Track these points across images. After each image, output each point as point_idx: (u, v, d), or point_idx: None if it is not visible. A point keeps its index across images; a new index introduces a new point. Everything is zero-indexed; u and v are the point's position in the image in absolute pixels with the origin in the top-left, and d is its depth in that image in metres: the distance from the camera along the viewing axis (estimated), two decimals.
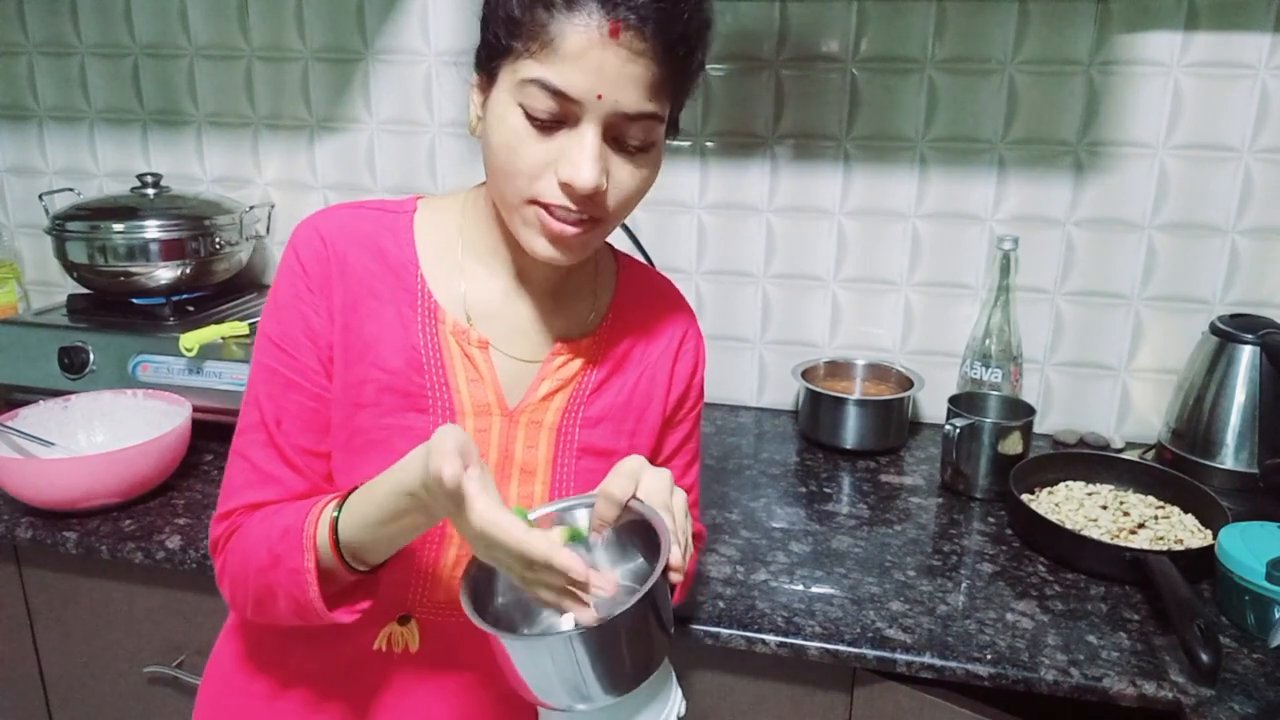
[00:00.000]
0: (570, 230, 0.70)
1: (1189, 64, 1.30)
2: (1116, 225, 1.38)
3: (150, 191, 1.50)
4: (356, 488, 0.70)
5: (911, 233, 1.44)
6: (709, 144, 1.47)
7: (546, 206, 0.69)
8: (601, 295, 0.85)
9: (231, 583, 0.75)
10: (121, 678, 1.19)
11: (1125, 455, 1.31)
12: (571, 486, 0.80)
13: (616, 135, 0.69)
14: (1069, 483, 1.23)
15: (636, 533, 0.69)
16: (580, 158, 0.67)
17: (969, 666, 0.90)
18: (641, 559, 0.70)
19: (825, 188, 1.45)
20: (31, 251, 1.77)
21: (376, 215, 0.79)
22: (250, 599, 0.74)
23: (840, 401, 1.39)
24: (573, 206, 0.69)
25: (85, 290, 1.49)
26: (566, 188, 0.68)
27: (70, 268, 1.45)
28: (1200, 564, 1.02)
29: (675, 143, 1.48)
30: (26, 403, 1.27)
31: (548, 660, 0.60)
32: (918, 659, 0.91)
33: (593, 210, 0.70)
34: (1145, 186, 1.35)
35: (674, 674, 0.72)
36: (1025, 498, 1.16)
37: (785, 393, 1.56)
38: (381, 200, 0.82)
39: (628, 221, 1.51)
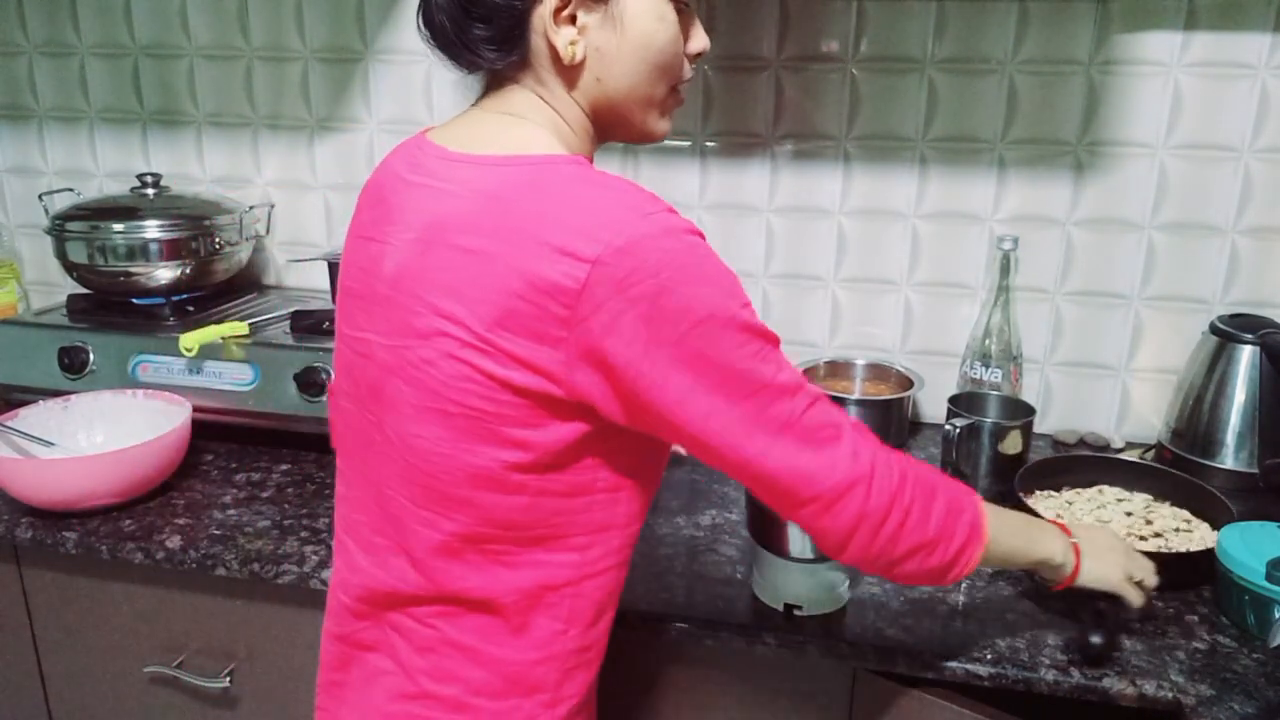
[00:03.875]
0: None
1: (1189, 64, 1.30)
2: (1116, 225, 1.38)
3: (150, 191, 1.50)
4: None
5: (911, 233, 1.44)
6: (709, 144, 1.47)
7: (678, 87, 0.79)
8: None
9: (911, 495, 0.73)
10: (121, 678, 1.19)
11: (1124, 455, 1.31)
12: None
13: None
14: (1080, 489, 1.22)
15: None
16: (700, 28, 0.79)
17: (969, 666, 0.90)
18: None
19: (825, 188, 1.45)
20: (31, 251, 1.77)
21: (637, 186, 0.72)
22: (932, 524, 0.73)
23: (840, 401, 1.39)
24: (691, 75, 0.80)
25: (85, 290, 1.49)
26: (698, 58, 0.80)
27: (70, 268, 1.45)
28: (1199, 566, 1.02)
29: (675, 142, 1.48)
30: (26, 403, 1.27)
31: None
32: (918, 659, 0.91)
33: None
34: (1145, 186, 1.35)
35: (847, 576, 1.01)
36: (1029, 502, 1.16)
37: None
38: (587, 176, 0.71)
39: None
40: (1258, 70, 1.28)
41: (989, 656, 0.90)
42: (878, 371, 1.49)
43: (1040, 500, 1.19)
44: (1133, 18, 1.30)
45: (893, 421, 1.39)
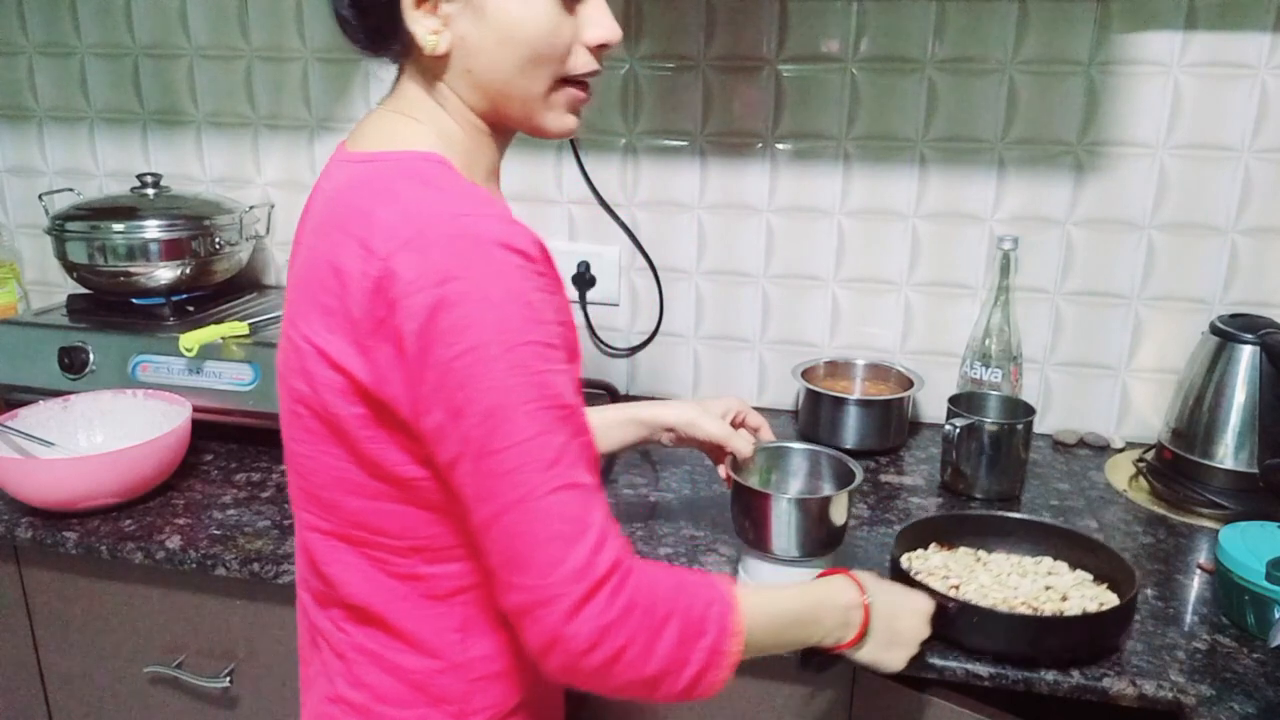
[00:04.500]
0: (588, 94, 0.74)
1: (1189, 64, 1.30)
2: (1116, 225, 1.38)
3: (150, 191, 1.50)
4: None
5: (911, 233, 1.44)
6: (708, 144, 1.47)
7: (577, 80, 0.73)
8: None
9: (631, 633, 0.63)
10: (121, 678, 1.19)
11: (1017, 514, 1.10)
12: None
13: None
14: (1015, 554, 1.05)
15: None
16: (606, 15, 0.72)
17: (969, 666, 0.90)
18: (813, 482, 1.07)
19: (825, 188, 1.45)
20: (31, 251, 1.77)
21: (473, 189, 0.68)
22: (656, 660, 0.65)
23: (840, 401, 1.39)
24: (598, 68, 0.73)
25: (85, 290, 1.49)
26: (601, 49, 0.72)
27: (70, 268, 1.45)
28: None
29: (674, 142, 1.48)
30: (26, 403, 1.27)
31: (778, 512, 0.96)
32: (918, 659, 0.90)
33: None
34: (1145, 186, 1.35)
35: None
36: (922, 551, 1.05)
37: (785, 393, 1.56)
38: (421, 173, 0.68)
39: (628, 221, 1.51)
40: (1258, 70, 1.28)
41: (989, 656, 0.90)
42: (878, 371, 1.49)
43: (959, 556, 1.05)
44: (1133, 18, 1.30)
45: (892, 421, 1.39)
